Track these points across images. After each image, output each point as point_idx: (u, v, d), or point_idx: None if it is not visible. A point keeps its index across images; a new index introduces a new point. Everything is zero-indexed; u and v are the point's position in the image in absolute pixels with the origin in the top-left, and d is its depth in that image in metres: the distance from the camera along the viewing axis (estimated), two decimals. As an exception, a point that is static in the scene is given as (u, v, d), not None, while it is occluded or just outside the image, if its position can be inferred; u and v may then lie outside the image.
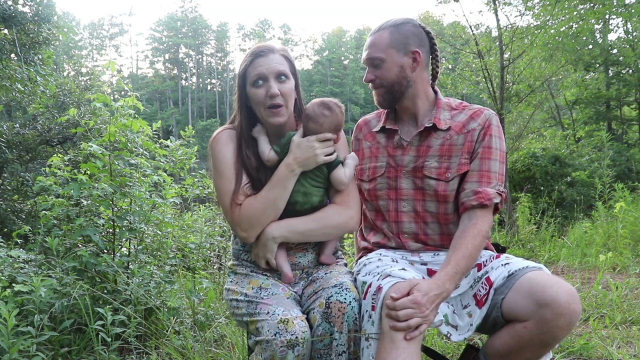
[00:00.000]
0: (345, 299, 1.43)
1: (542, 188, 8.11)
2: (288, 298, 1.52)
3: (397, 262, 1.60)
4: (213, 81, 70.35)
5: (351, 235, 4.13)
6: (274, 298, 1.48)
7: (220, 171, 1.59)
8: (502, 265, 1.48)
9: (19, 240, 3.63)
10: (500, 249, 1.69)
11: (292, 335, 1.33)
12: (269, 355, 1.34)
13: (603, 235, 4.80)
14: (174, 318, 2.58)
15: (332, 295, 1.44)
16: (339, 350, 1.42)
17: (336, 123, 1.59)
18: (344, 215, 1.61)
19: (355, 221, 1.64)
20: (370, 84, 1.67)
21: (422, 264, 1.64)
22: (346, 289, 1.46)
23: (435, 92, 1.71)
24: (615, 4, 7.76)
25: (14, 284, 2.20)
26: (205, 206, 4.58)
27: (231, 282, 1.66)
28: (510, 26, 6.99)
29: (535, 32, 6.83)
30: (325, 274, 1.61)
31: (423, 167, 1.62)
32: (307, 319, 1.48)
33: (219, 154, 1.61)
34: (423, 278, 1.49)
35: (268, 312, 1.40)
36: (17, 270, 2.43)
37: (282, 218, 1.58)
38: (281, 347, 1.32)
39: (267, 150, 1.61)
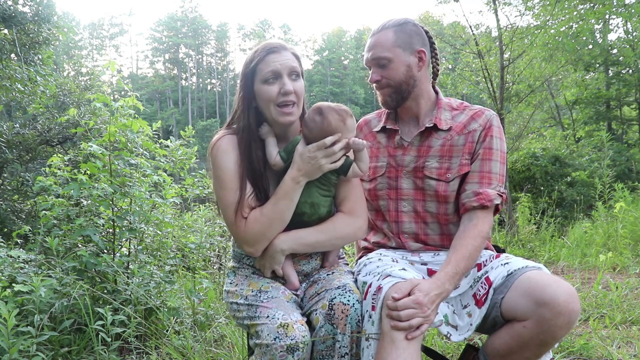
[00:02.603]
0: (348, 300, 1.43)
1: (542, 188, 8.10)
2: (288, 301, 1.49)
3: (397, 262, 1.60)
4: (213, 81, 70.28)
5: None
6: (274, 301, 1.46)
7: (223, 181, 1.50)
8: (501, 264, 1.48)
9: (19, 240, 3.63)
10: (499, 251, 1.69)
11: (292, 340, 1.32)
12: (268, 359, 1.33)
13: (603, 235, 4.79)
14: (174, 318, 2.58)
15: (335, 297, 1.44)
16: (341, 352, 1.41)
17: (327, 131, 1.45)
18: (352, 225, 1.57)
19: (364, 231, 1.61)
20: (375, 84, 1.64)
21: (422, 264, 1.65)
22: (349, 290, 1.46)
23: (436, 92, 1.71)
24: (615, 4, 7.76)
25: (14, 284, 2.20)
26: (205, 206, 4.58)
27: (230, 283, 1.63)
28: (510, 26, 6.98)
29: (535, 32, 6.83)
30: (327, 275, 1.60)
31: (424, 168, 1.62)
32: (309, 320, 1.47)
33: (220, 162, 1.51)
34: (423, 278, 1.49)
35: (268, 316, 1.39)
36: (17, 270, 2.43)
37: (289, 228, 1.52)
38: (281, 351, 1.31)
39: (274, 153, 1.52)
